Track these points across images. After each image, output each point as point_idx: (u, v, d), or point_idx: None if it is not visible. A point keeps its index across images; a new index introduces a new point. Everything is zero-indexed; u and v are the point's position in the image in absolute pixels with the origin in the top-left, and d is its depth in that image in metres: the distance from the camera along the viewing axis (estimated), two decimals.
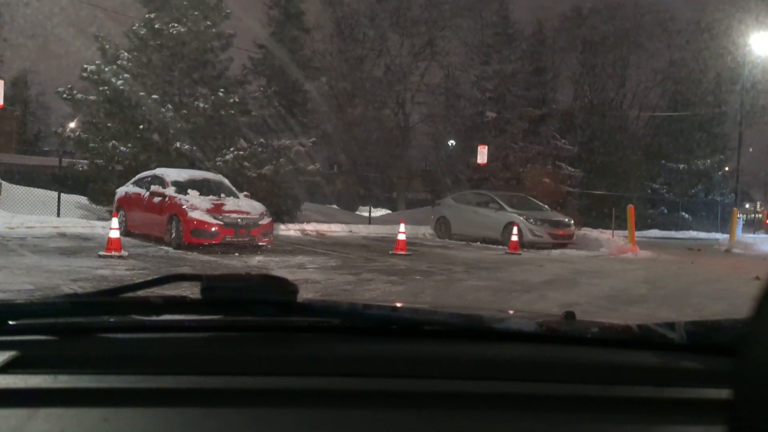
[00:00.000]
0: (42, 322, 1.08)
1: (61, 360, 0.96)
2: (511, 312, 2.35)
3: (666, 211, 32.06)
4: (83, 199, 17.05)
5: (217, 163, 16.31)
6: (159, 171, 13.33)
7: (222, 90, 17.42)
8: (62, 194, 15.86)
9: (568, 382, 0.95)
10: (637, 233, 16.86)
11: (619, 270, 11.71)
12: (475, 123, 26.96)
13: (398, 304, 1.99)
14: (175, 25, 16.73)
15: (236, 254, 11.05)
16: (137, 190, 13.12)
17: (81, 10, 25.98)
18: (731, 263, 14.15)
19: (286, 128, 18.77)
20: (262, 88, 19.47)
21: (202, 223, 11.23)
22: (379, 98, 28.64)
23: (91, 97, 16.82)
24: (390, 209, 30.77)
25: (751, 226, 32.49)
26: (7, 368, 0.87)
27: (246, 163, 16.90)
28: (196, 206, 11.45)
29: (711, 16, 30.32)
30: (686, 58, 32.45)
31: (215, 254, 10.87)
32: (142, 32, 17.06)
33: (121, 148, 16.34)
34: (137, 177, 13.70)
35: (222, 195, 12.53)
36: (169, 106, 16.49)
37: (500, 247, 15.31)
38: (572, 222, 16.96)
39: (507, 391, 0.90)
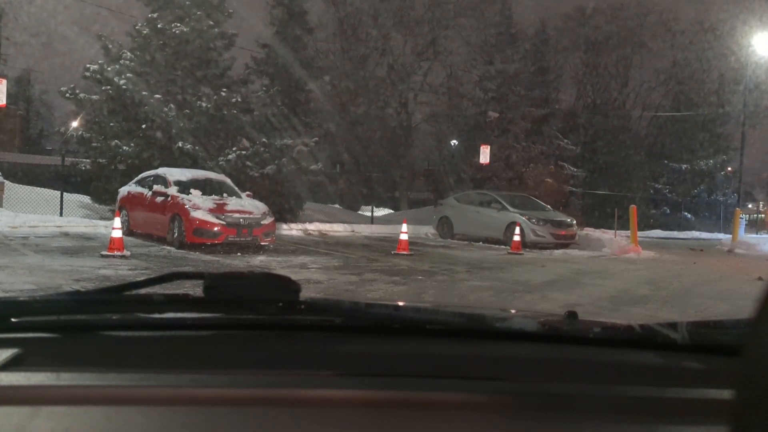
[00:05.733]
0: (45, 319, 1.09)
1: (63, 357, 0.96)
2: (513, 311, 2.35)
3: (668, 211, 32.05)
4: (86, 199, 17.07)
5: (220, 163, 16.32)
6: (161, 170, 13.34)
7: (225, 89, 17.43)
8: (65, 193, 15.88)
9: (570, 382, 0.95)
10: (639, 233, 16.85)
11: (621, 270, 11.69)
12: (477, 123, 26.96)
13: (400, 304, 2.00)
14: (178, 24, 16.74)
15: (239, 254, 11.06)
16: (140, 189, 13.13)
17: (84, 8, 26.04)
18: (734, 264, 14.12)
19: (289, 127, 18.77)
20: (264, 88, 19.47)
21: (204, 222, 11.24)
22: (382, 97, 28.64)
23: (94, 96, 16.84)
24: (392, 209, 30.78)
25: (754, 226, 32.39)
26: (9, 366, 0.87)
27: (249, 163, 16.91)
28: (199, 206, 11.46)
29: (714, 17, 30.32)
30: (689, 59, 32.43)
31: (218, 254, 10.88)
32: (145, 31, 17.08)
33: (124, 147, 16.36)
34: (140, 176, 13.71)
35: (224, 194, 12.54)
36: (172, 105, 16.50)
37: (502, 247, 15.31)
38: (574, 222, 16.95)
39: (508, 390, 0.90)
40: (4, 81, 15.11)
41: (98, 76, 16.51)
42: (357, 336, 1.16)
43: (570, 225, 16.60)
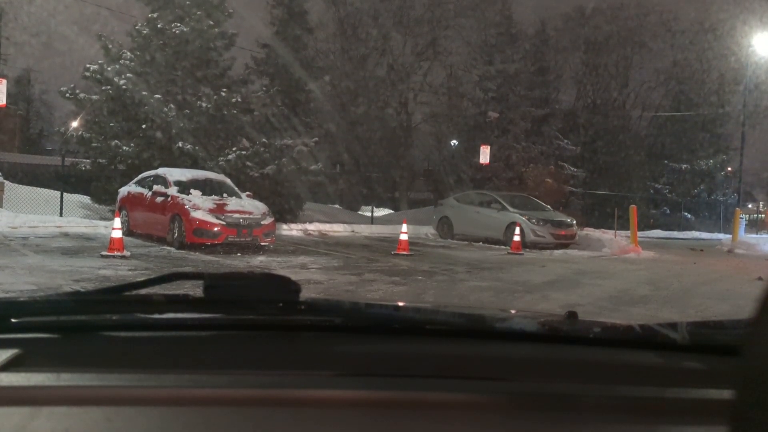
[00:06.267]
0: (45, 319, 1.09)
1: (63, 358, 0.96)
2: (513, 312, 2.35)
3: (668, 211, 32.05)
4: (86, 199, 17.07)
5: (220, 163, 16.32)
6: (161, 171, 13.34)
7: (225, 89, 17.44)
8: (65, 193, 15.88)
9: (570, 382, 0.95)
10: (639, 233, 16.85)
11: (621, 270, 11.69)
12: (477, 123, 26.98)
13: (400, 304, 2.00)
14: (178, 24, 16.75)
15: (239, 254, 11.06)
16: (140, 189, 13.14)
17: (84, 8, 26.05)
18: (734, 264, 14.12)
19: (289, 127, 18.78)
20: (264, 88, 19.49)
21: (204, 223, 11.24)
22: (382, 98, 28.65)
23: (94, 96, 16.85)
24: (392, 209, 30.78)
25: (754, 226, 32.38)
26: (9, 366, 0.87)
27: (248, 163, 16.91)
28: (199, 206, 11.46)
29: (715, 17, 30.30)
30: (690, 59, 32.43)
31: (218, 254, 10.88)
32: (145, 31, 17.08)
33: (124, 147, 16.36)
34: (140, 177, 13.71)
35: (224, 195, 12.54)
36: (172, 105, 16.50)
37: (502, 247, 15.31)
38: (574, 222, 16.95)
39: (508, 390, 0.90)
40: (4, 81, 15.11)
41: (98, 76, 16.51)
42: (357, 336, 1.16)
43: (570, 225, 16.61)
